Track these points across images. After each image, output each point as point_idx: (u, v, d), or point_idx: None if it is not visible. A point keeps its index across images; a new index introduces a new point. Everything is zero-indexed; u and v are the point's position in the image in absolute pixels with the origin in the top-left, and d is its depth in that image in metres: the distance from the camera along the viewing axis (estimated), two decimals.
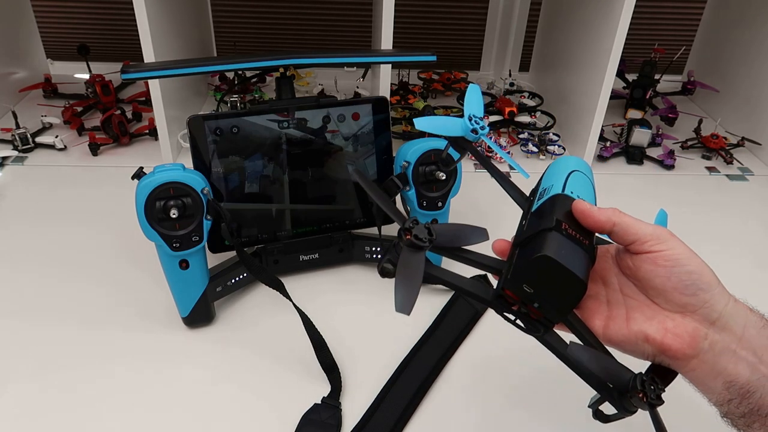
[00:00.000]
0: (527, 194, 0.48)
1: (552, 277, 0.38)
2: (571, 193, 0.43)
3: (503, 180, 0.48)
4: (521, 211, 0.47)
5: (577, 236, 0.40)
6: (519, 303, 0.40)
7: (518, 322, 0.41)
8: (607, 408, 0.42)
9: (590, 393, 0.43)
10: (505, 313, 0.41)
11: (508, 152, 1.06)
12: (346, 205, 0.73)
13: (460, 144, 0.48)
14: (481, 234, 0.45)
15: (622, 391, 0.40)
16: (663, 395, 0.39)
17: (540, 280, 0.38)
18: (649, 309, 0.41)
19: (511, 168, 0.99)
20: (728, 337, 0.39)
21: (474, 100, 0.50)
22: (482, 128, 0.47)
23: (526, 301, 0.40)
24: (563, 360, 0.42)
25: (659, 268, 0.40)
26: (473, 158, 1.04)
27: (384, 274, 0.40)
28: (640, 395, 0.39)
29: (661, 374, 0.41)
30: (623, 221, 0.41)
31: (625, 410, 0.41)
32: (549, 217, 0.40)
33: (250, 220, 0.69)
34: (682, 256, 0.40)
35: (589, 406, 0.43)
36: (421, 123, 0.46)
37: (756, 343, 0.39)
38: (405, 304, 0.38)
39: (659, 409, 0.40)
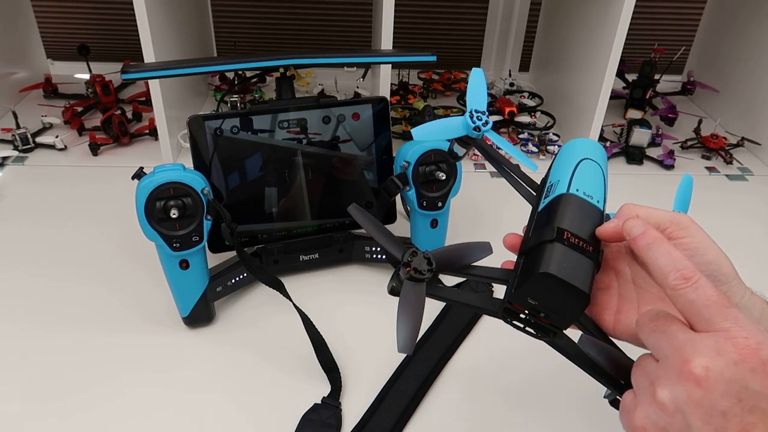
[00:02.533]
0: (539, 183, 0.47)
1: (555, 291, 0.38)
2: (577, 191, 0.42)
3: (512, 174, 0.47)
4: (522, 210, 0.47)
5: (580, 244, 0.39)
6: (526, 313, 0.40)
7: (527, 329, 0.41)
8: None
9: (593, 391, 0.43)
10: (514, 322, 0.41)
11: None
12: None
13: (465, 141, 0.48)
14: (483, 249, 0.44)
15: (630, 385, 0.40)
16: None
17: (543, 294, 0.38)
18: (661, 302, 0.40)
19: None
20: None
21: (477, 91, 0.47)
22: (485, 124, 0.45)
23: (532, 312, 0.40)
24: (573, 360, 0.42)
25: None
26: (474, 158, 1.04)
27: (394, 293, 0.42)
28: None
29: None
30: (643, 216, 0.39)
31: None
32: (551, 225, 0.40)
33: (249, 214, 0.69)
34: (701, 245, 0.39)
35: (605, 397, 0.43)
36: (419, 132, 0.44)
37: None
38: (407, 344, 0.40)
39: None
